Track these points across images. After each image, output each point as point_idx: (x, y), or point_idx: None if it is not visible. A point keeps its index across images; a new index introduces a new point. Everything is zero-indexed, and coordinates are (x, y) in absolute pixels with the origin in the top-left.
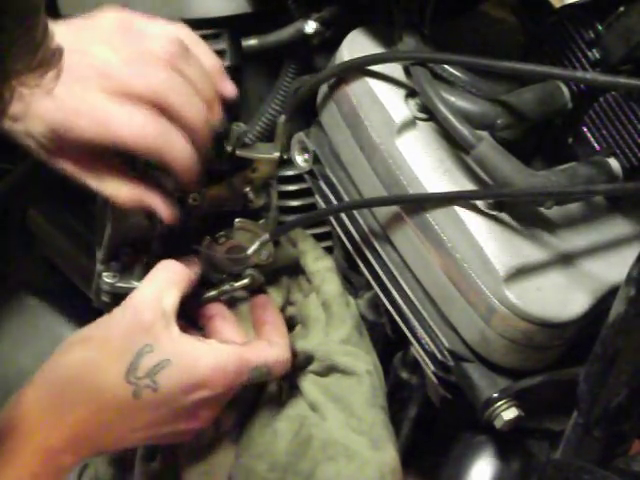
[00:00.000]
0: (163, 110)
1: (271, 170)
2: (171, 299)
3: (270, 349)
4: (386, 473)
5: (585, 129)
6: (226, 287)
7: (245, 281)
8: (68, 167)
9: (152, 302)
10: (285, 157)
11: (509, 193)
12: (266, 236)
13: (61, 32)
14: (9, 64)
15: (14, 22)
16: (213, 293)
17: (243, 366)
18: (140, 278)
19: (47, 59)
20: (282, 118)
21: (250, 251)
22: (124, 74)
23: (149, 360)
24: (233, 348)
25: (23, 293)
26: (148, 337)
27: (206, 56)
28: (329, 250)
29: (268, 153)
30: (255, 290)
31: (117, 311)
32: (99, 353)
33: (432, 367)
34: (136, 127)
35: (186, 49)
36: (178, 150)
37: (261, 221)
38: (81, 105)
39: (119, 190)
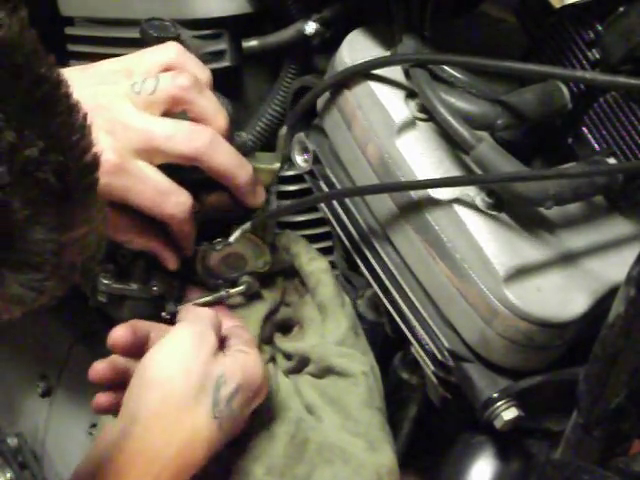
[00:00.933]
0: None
1: (271, 180)
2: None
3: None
4: (383, 475)
5: (585, 129)
6: (222, 293)
7: (241, 288)
8: None
9: (211, 328)
10: (285, 168)
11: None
12: (247, 225)
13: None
14: None
15: None
16: (209, 298)
17: None
18: (137, 280)
19: None
20: (283, 130)
21: (232, 238)
22: (152, 132)
23: (225, 390)
24: (256, 351)
25: None
26: (219, 366)
27: (196, 70)
28: (329, 250)
29: (269, 163)
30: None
31: (185, 337)
32: (186, 391)
33: (432, 367)
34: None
35: (197, 82)
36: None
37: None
38: (122, 163)
39: (130, 240)
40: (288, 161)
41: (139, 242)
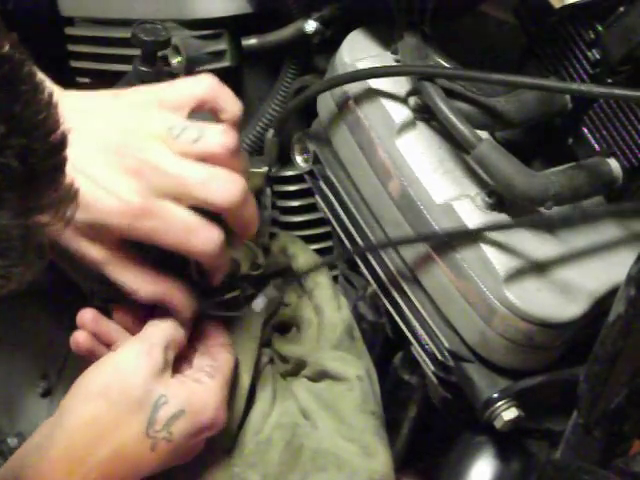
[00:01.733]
0: None
1: (260, 183)
2: (172, 353)
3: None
4: None
5: (585, 129)
6: (217, 298)
7: (235, 292)
8: (95, 253)
9: (159, 347)
10: (274, 171)
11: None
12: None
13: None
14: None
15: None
16: (204, 303)
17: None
18: None
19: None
20: (270, 133)
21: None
22: (186, 179)
23: (165, 412)
24: (224, 381)
25: (20, 293)
26: (161, 386)
27: (229, 104)
28: (329, 250)
29: (258, 167)
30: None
31: (129, 352)
32: (120, 406)
33: (432, 367)
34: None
35: (239, 144)
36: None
37: None
38: (145, 206)
39: (140, 286)
40: (276, 164)
41: (149, 289)
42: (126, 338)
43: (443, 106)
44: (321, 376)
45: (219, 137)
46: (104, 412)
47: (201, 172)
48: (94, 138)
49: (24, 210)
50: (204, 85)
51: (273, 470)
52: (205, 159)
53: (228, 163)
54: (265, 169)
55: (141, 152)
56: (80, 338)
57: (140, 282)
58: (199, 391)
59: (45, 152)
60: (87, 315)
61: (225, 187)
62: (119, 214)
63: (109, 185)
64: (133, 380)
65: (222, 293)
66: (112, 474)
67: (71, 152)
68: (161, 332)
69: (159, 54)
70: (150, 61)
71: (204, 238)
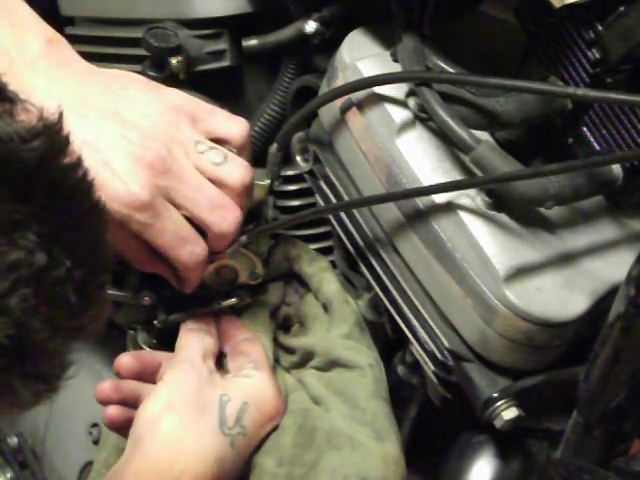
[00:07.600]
0: None
1: (262, 195)
2: (210, 361)
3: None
4: (390, 463)
5: (585, 129)
6: (214, 305)
7: (233, 300)
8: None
9: (198, 359)
10: (277, 184)
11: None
12: (243, 238)
13: (132, 107)
14: None
15: None
16: (200, 311)
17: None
18: (132, 287)
19: None
20: (274, 147)
21: (229, 251)
22: (198, 195)
23: (232, 408)
24: (267, 370)
25: None
26: (218, 388)
27: (246, 154)
28: (329, 250)
29: (259, 179)
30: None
31: (175, 373)
32: (189, 414)
33: (432, 367)
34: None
35: (252, 186)
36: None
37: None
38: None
39: (143, 266)
40: (279, 177)
41: (153, 269)
42: (148, 389)
43: (440, 111)
44: (332, 365)
45: (241, 170)
46: (175, 423)
47: (213, 195)
48: (122, 123)
49: (71, 335)
50: (240, 131)
51: (288, 453)
52: (217, 184)
53: (236, 196)
54: (268, 182)
55: (163, 150)
56: (112, 411)
57: (141, 263)
58: (253, 384)
59: (98, 279)
60: (105, 386)
61: (225, 217)
62: (122, 202)
63: (122, 172)
64: (188, 390)
65: (219, 301)
66: (201, 478)
67: (95, 130)
68: (192, 349)
69: None
70: (160, 67)
71: (191, 250)
